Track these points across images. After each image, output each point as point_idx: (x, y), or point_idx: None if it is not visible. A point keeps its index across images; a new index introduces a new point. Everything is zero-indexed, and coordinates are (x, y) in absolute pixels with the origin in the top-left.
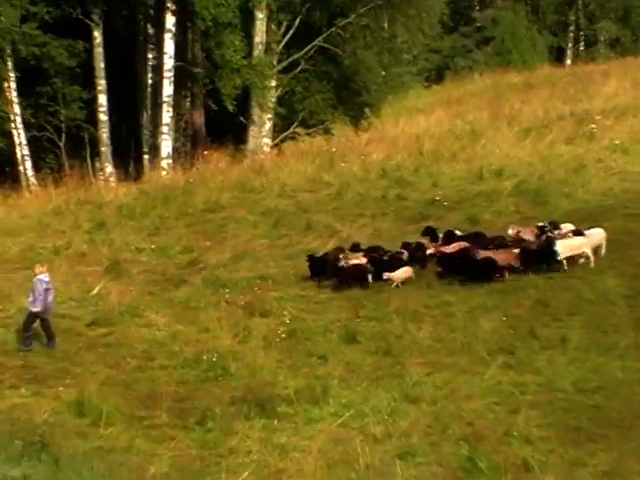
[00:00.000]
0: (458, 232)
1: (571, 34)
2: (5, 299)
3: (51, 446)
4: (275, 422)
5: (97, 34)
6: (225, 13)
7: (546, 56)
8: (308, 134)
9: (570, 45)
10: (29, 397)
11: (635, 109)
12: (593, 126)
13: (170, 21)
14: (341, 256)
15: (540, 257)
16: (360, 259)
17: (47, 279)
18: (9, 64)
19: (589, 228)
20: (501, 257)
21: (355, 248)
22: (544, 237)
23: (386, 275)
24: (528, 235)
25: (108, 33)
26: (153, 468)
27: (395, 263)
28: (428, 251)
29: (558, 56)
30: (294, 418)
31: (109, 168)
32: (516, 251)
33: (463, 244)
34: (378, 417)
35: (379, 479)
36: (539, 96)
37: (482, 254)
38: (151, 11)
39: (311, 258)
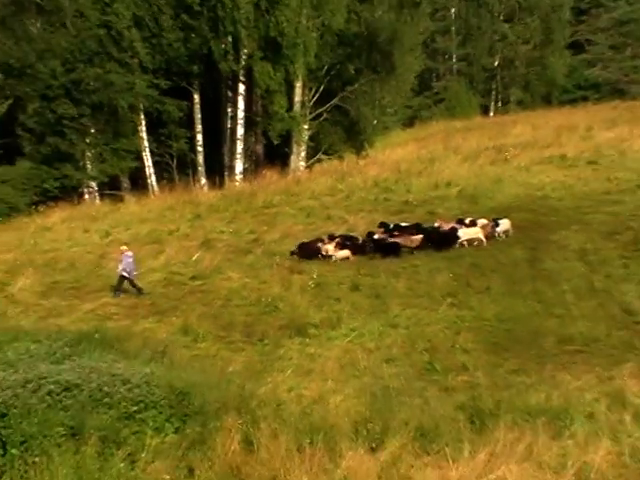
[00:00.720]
0: (404, 224)
1: (493, 96)
2: (139, 262)
3: (168, 354)
4: (307, 340)
5: (196, 96)
6: (274, 83)
7: (478, 110)
8: (328, 159)
9: (492, 103)
10: (154, 323)
11: (533, 144)
12: (507, 154)
13: (241, 88)
14: (319, 244)
15: (448, 239)
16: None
17: (130, 254)
18: (141, 115)
19: (500, 219)
20: (403, 240)
21: (331, 237)
22: (451, 226)
23: (330, 252)
24: (445, 226)
25: (202, 96)
26: (231, 368)
27: (345, 246)
28: (375, 236)
29: (485, 110)
30: (319, 337)
31: (203, 181)
32: (417, 237)
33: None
34: (372, 337)
35: (371, 375)
36: (473, 135)
37: (390, 240)
38: (229, 82)
39: (301, 244)
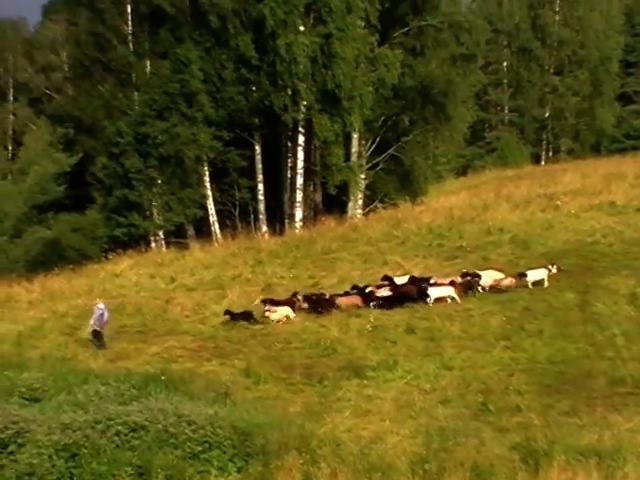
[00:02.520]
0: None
1: (544, 145)
2: (203, 307)
3: (231, 395)
4: (365, 381)
5: (257, 147)
6: (332, 134)
7: (529, 159)
8: (384, 207)
9: (543, 152)
10: (217, 366)
11: (583, 191)
12: (558, 201)
13: (300, 139)
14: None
15: (416, 297)
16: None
17: (102, 306)
18: (205, 165)
19: (535, 269)
20: (344, 300)
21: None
22: (419, 285)
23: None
24: (442, 280)
25: (263, 146)
26: (291, 408)
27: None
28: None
29: (536, 159)
30: (376, 379)
31: (264, 228)
32: (355, 297)
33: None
34: (427, 378)
35: (427, 416)
36: (524, 183)
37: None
38: (289, 133)
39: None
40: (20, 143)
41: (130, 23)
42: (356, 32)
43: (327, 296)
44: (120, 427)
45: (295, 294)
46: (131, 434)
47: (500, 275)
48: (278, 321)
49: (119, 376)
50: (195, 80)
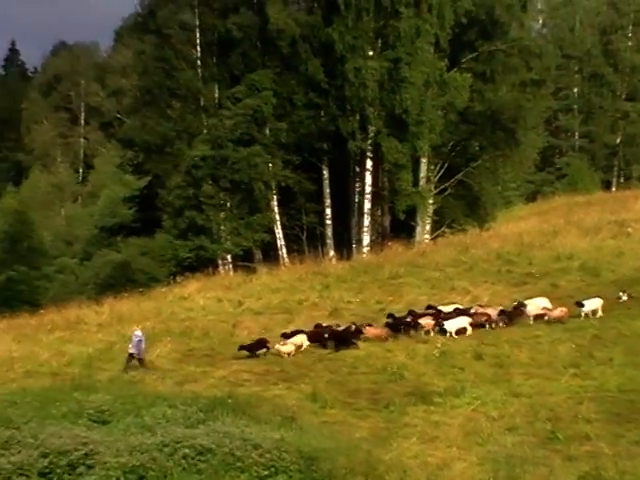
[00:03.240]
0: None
1: (615, 172)
2: (269, 331)
3: (297, 420)
4: (431, 407)
5: (325, 172)
6: (402, 159)
7: (599, 185)
8: (452, 233)
9: (614, 179)
10: (284, 390)
11: None
12: (629, 229)
13: (368, 163)
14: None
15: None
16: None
17: (139, 334)
18: (273, 191)
19: (589, 299)
20: (372, 330)
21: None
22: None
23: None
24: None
25: (331, 171)
26: (358, 434)
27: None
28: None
29: (607, 185)
30: (443, 405)
31: (331, 252)
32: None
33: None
34: (495, 405)
35: (495, 443)
36: (595, 210)
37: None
38: (357, 158)
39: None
40: (91, 166)
41: (199, 49)
42: (425, 57)
43: (353, 327)
44: (187, 450)
45: (319, 325)
46: (198, 457)
47: (548, 304)
48: (288, 354)
49: (186, 399)
50: (268, 106)
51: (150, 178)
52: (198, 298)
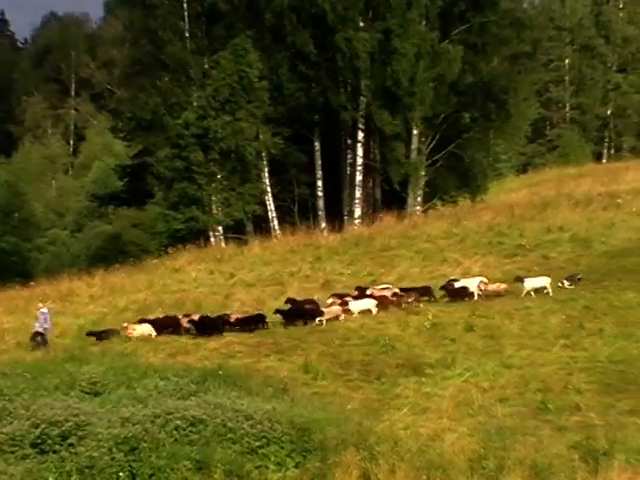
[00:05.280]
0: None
1: (605, 143)
2: (262, 303)
3: (289, 391)
4: (423, 379)
5: (316, 144)
6: (395, 128)
7: (590, 157)
8: (443, 204)
9: (605, 150)
10: (276, 362)
11: None
12: (619, 200)
13: (360, 135)
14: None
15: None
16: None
17: (45, 311)
18: (265, 161)
19: (537, 277)
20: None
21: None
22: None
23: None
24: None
25: (323, 143)
26: (349, 405)
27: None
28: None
29: (597, 157)
30: (434, 377)
31: (323, 224)
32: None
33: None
34: (486, 377)
35: (486, 414)
36: (586, 181)
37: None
38: (348, 130)
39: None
40: (82, 138)
41: (187, 20)
42: (416, 28)
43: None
44: (179, 421)
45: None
46: (190, 428)
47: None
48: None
49: (178, 371)
50: (253, 70)
51: (140, 148)
52: (190, 270)
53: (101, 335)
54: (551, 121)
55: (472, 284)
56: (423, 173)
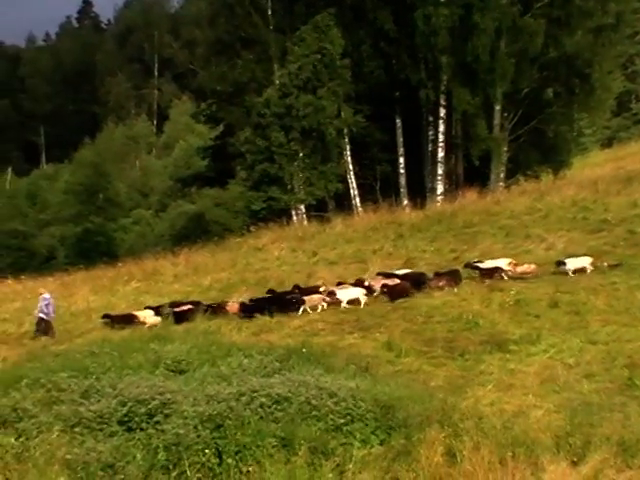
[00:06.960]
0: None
1: None
2: (345, 280)
3: (371, 369)
4: (507, 355)
5: (398, 121)
6: (472, 107)
7: None
8: (526, 180)
9: None
10: (359, 339)
11: None
12: None
13: (442, 112)
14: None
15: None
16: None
17: (48, 297)
18: (346, 139)
19: (578, 257)
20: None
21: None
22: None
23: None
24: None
25: (404, 120)
26: (433, 382)
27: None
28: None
29: None
30: (519, 353)
31: (405, 202)
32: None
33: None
34: (571, 353)
35: (571, 391)
36: None
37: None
38: (430, 106)
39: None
40: (165, 118)
41: None
42: (497, 2)
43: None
44: (264, 399)
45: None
46: (274, 406)
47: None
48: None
49: (261, 349)
50: (336, 47)
51: (222, 128)
52: (272, 249)
53: (117, 319)
54: (636, 94)
55: (501, 265)
56: (505, 149)
